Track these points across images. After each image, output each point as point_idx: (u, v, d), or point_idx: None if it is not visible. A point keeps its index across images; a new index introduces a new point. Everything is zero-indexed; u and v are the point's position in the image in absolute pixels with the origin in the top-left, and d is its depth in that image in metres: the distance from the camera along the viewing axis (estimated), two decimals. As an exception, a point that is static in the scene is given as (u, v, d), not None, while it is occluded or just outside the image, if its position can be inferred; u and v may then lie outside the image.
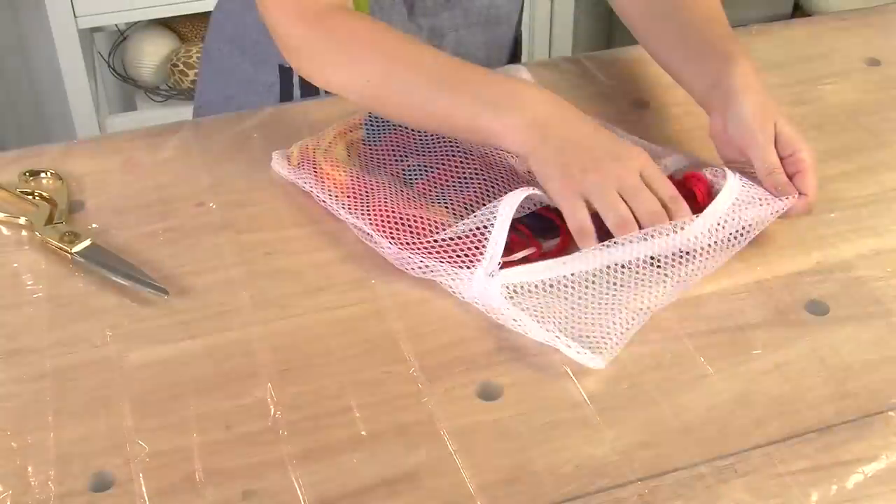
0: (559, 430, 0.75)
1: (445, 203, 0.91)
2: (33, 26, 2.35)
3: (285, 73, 1.17)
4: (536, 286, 0.84)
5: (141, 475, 0.72)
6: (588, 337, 0.81)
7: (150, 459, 0.73)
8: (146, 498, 0.71)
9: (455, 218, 0.89)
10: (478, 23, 1.17)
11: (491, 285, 0.83)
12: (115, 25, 2.33)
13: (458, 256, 0.85)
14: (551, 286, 0.84)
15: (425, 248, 0.87)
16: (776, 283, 0.88)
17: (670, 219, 0.84)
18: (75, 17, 2.06)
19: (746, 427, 0.75)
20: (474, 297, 0.84)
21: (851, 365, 0.80)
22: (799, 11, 2.45)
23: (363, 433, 0.75)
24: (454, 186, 0.93)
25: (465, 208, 0.90)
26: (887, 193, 0.98)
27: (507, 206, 0.85)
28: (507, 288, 0.83)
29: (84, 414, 0.77)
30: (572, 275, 0.84)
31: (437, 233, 0.87)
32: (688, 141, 1.04)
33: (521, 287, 0.83)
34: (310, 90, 1.17)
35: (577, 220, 0.84)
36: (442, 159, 0.95)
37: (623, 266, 0.84)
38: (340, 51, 0.93)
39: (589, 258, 0.84)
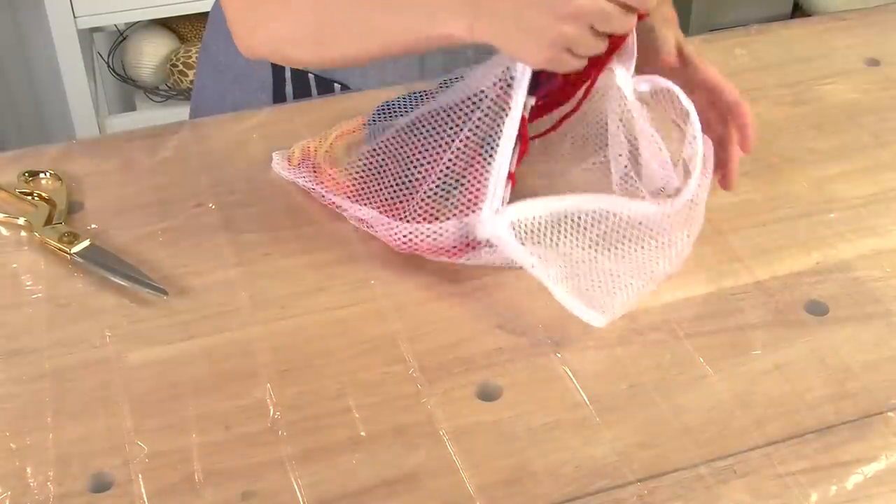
0: (558, 431, 0.75)
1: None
2: (33, 26, 2.35)
3: (277, 68, 1.18)
4: (544, 229, 0.83)
5: (140, 476, 0.72)
6: (591, 292, 0.82)
7: (150, 460, 0.73)
8: (145, 499, 0.71)
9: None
10: None
11: (499, 225, 0.83)
12: (115, 25, 2.33)
13: (463, 204, 0.86)
14: (559, 231, 0.84)
15: (427, 205, 0.87)
16: (776, 283, 0.88)
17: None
18: (74, 17, 2.06)
19: (746, 427, 0.75)
20: (486, 238, 0.84)
21: (851, 365, 0.80)
22: (799, 11, 2.45)
23: (363, 434, 0.75)
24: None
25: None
26: (887, 193, 0.98)
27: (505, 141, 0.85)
28: (515, 226, 0.83)
29: (83, 414, 0.77)
30: (579, 218, 0.84)
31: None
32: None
33: (529, 227, 0.83)
34: (302, 85, 1.17)
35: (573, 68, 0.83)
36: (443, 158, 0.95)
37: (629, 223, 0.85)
38: (271, 3, 0.93)
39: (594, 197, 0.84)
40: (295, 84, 1.18)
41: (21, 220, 0.94)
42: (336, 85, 1.16)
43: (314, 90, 1.17)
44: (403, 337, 0.82)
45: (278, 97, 1.19)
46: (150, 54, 2.26)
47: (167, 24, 2.31)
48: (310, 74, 1.17)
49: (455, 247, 0.87)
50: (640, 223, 0.86)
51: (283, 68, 1.17)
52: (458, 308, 0.85)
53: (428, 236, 0.86)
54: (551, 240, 0.84)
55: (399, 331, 0.83)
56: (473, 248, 0.86)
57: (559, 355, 0.81)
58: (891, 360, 0.81)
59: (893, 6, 1.32)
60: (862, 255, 0.91)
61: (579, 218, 0.84)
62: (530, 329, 0.83)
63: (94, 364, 0.81)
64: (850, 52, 1.20)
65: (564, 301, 0.82)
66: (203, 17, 2.23)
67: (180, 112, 2.16)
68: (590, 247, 0.85)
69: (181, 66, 2.22)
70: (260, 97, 1.20)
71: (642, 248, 0.86)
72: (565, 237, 0.84)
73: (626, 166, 0.89)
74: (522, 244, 0.83)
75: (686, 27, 2.69)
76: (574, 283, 0.83)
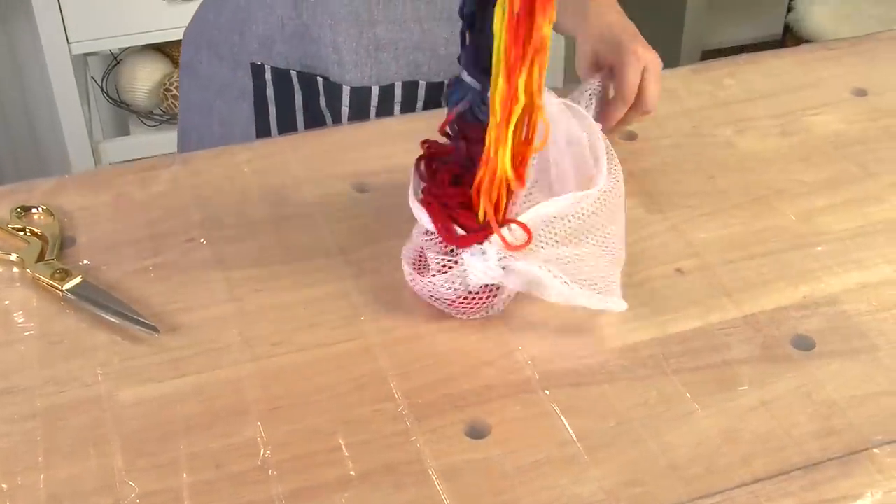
0: (547, 468, 0.76)
1: None
2: (27, 51, 2.36)
3: (258, 70, 1.19)
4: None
5: (131, 516, 0.73)
6: (596, 285, 0.85)
7: (140, 500, 0.74)
8: (136, 539, 0.71)
9: None
10: (442, 18, 1.18)
11: (489, 264, 0.84)
12: (109, 50, 2.33)
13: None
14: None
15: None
16: (763, 317, 0.88)
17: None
18: (68, 42, 2.07)
19: (733, 464, 0.76)
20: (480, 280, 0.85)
21: (837, 401, 0.81)
22: (789, 33, 2.46)
23: (352, 473, 0.75)
24: None
25: None
26: (874, 226, 0.99)
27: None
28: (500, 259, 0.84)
29: (74, 454, 0.77)
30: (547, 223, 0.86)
31: None
32: (675, 173, 1.05)
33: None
34: (284, 83, 1.19)
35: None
36: None
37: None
38: None
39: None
40: (277, 83, 1.19)
41: (13, 257, 0.94)
42: (318, 79, 1.18)
43: (296, 85, 1.19)
44: (393, 374, 0.83)
45: (259, 102, 1.21)
46: (144, 79, 2.27)
47: (161, 49, 2.32)
48: (292, 72, 1.18)
49: (464, 298, 0.87)
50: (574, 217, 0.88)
51: (263, 71, 1.19)
52: (448, 344, 0.86)
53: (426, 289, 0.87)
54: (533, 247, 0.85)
55: (389, 367, 0.84)
56: (487, 297, 0.87)
57: (547, 392, 0.81)
58: (876, 395, 0.81)
59: (881, 35, 1.33)
60: (848, 289, 0.91)
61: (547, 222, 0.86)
62: (519, 366, 0.84)
63: (86, 402, 0.81)
64: (838, 81, 1.21)
65: (585, 299, 0.84)
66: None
67: (174, 137, 2.15)
68: (559, 243, 0.87)
69: (174, 91, 2.23)
70: (241, 106, 1.21)
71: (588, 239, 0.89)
72: (541, 243, 0.86)
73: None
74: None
75: (678, 48, 2.71)
76: (577, 279, 0.84)
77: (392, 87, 1.18)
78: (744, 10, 2.79)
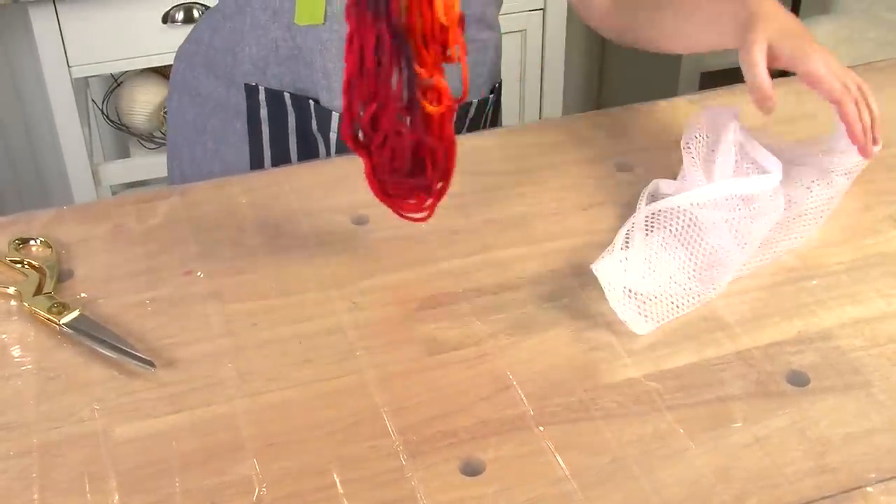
0: (541, 506, 0.76)
1: None
2: (28, 74, 2.37)
3: (251, 91, 1.20)
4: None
5: (125, 555, 0.73)
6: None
7: (135, 538, 0.74)
8: (130, 578, 0.71)
9: None
10: None
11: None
12: (110, 73, 2.34)
13: None
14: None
15: None
16: (757, 352, 0.89)
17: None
18: (69, 66, 2.07)
19: (726, 503, 0.76)
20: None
21: (831, 438, 0.81)
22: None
23: (346, 511, 0.76)
24: None
25: None
26: (868, 259, 0.99)
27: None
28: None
29: (70, 491, 0.77)
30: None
31: None
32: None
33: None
34: (278, 104, 1.19)
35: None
36: None
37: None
38: None
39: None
40: (270, 104, 1.20)
41: (11, 290, 0.95)
42: (311, 102, 1.18)
43: (289, 107, 1.19)
44: (388, 410, 0.83)
45: (253, 123, 1.21)
46: (144, 101, 2.27)
47: (160, 72, 2.33)
48: (286, 93, 1.19)
49: None
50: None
51: (257, 92, 1.19)
52: (443, 380, 0.86)
53: None
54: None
55: (384, 403, 0.84)
56: None
57: (542, 429, 0.82)
58: (870, 432, 0.82)
59: (878, 64, 1.33)
60: (843, 324, 0.92)
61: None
62: (514, 402, 0.84)
63: (82, 439, 0.81)
64: (833, 111, 1.21)
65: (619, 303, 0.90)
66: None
67: (174, 159, 2.17)
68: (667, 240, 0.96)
69: (175, 114, 2.23)
70: (235, 125, 1.22)
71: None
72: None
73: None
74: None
75: (677, 70, 2.71)
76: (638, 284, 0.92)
77: None
78: (743, 32, 2.80)
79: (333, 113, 1.18)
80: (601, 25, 1.23)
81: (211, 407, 0.84)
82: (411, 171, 0.89)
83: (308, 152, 1.23)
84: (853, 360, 0.88)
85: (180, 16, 2.08)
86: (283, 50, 1.18)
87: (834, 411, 0.83)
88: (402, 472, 0.78)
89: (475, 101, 1.24)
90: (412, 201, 0.93)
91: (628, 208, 1.04)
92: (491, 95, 1.27)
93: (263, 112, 1.21)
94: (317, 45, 1.15)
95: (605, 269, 0.91)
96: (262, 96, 1.21)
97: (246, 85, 1.21)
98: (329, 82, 1.16)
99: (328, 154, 1.21)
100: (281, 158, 1.24)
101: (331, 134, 1.20)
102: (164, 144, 2.30)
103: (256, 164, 1.24)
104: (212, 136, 1.26)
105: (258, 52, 1.19)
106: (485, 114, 1.27)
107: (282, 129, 1.23)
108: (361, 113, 0.85)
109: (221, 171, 1.25)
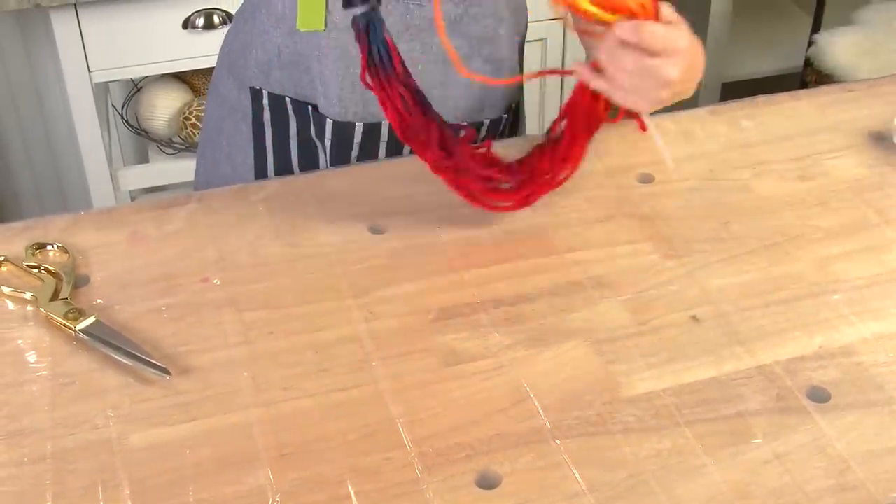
0: (557, 521, 0.75)
1: None
2: (49, 79, 2.37)
3: (256, 94, 1.20)
4: None
5: (138, 564, 0.72)
6: None
7: (148, 547, 0.74)
8: (142, 588, 0.71)
9: None
10: (437, 60, 1.18)
11: None
12: (130, 78, 2.34)
13: None
14: None
15: None
16: (777, 368, 0.88)
17: None
18: (90, 71, 2.07)
19: (745, 520, 0.75)
20: None
21: (852, 455, 0.80)
22: (810, 67, 2.46)
23: (361, 523, 0.75)
24: None
25: None
26: (891, 274, 0.98)
27: None
28: None
29: (83, 498, 0.77)
30: None
31: None
32: (690, 218, 1.04)
33: None
34: (280, 109, 1.19)
35: None
36: None
37: None
38: None
39: None
40: (273, 109, 1.20)
41: (28, 295, 0.94)
42: (309, 107, 1.18)
43: (290, 112, 1.20)
44: (404, 421, 0.83)
45: (257, 126, 1.21)
46: (164, 107, 2.27)
47: (181, 77, 2.33)
48: (287, 98, 1.19)
49: None
50: None
51: (261, 96, 1.19)
52: (459, 391, 0.85)
53: None
54: None
55: (399, 414, 0.83)
56: None
57: (559, 442, 0.81)
58: (892, 450, 0.81)
59: (899, 77, 1.32)
60: (865, 339, 0.91)
61: None
62: (531, 415, 0.83)
63: (96, 446, 0.81)
64: (857, 124, 1.21)
65: None
66: (217, 70, 2.25)
67: (192, 165, 2.16)
68: None
69: (194, 119, 2.24)
70: (242, 128, 1.22)
71: None
72: None
73: None
74: None
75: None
76: None
77: (378, 125, 1.17)
78: (765, 43, 2.78)
79: (328, 120, 1.17)
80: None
81: (226, 416, 0.83)
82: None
83: (308, 157, 1.22)
84: (875, 377, 0.87)
85: (201, 21, 2.08)
86: (285, 55, 1.18)
87: (855, 428, 0.82)
88: (417, 485, 0.78)
89: (487, 120, 1.23)
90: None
91: (649, 220, 1.03)
92: (504, 116, 1.26)
93: (267, 116, 1.22)
94: (315, 52, 1.15)
95: None
96: (265, 100, 1.21)
97: (251, 88, 1.21)
98: (325, 89, 1.16)
99: (327, 160, 1.20)
100: (283, 162, 1.23)
101: (326, 141, 1.19)
102: (183, 150, 2.30)
103: (260, 167, 1.24)
104: (227, 137, 1.27)
105: (263, 57, 1.19)
106: (499, 133, 1.26)
107: (284, 134, 1.22)
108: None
109: (230, 173, 1.25)
